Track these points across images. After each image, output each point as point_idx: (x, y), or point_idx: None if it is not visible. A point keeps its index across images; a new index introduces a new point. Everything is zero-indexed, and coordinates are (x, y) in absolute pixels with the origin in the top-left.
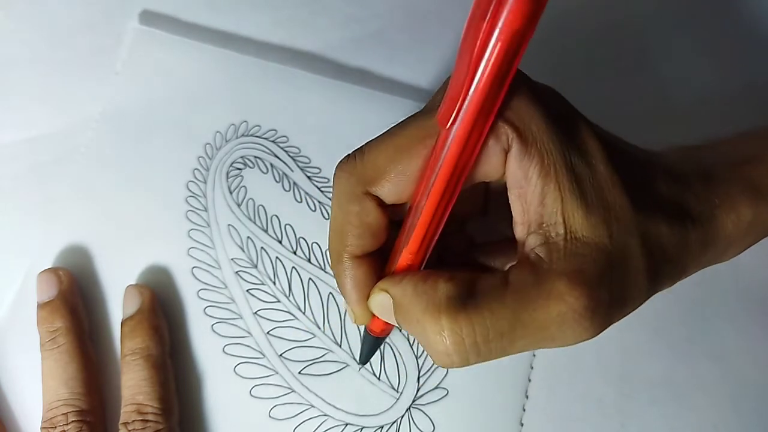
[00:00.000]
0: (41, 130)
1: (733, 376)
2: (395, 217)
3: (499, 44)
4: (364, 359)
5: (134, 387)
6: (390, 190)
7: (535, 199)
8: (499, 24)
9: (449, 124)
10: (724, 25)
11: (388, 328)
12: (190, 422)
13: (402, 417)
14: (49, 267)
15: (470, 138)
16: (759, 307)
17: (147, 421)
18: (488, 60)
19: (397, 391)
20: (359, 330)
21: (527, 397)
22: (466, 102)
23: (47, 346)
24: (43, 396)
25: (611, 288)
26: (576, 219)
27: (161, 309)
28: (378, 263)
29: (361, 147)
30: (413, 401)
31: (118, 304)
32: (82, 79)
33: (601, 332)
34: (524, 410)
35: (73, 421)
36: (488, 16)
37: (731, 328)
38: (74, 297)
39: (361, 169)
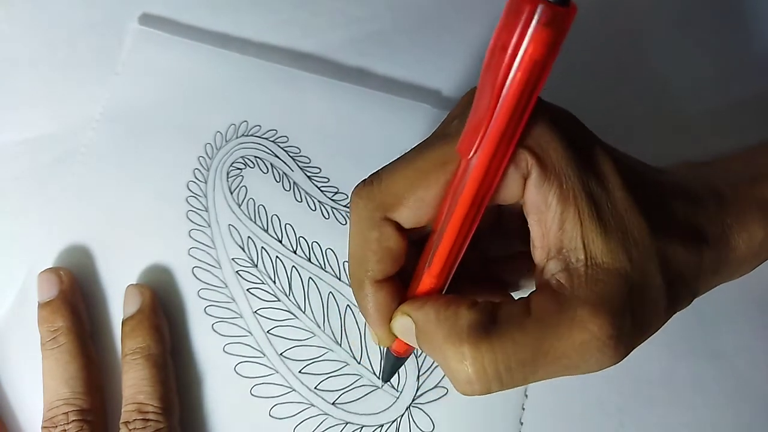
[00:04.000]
0: (41, 130)
1: (731, 375)
2: (415, 237)
3: (519, 74)
4: (387, 377)
5: (135, 386)
6: (409, 216)
7: (554, 225)
8: (520, 54)
9: (471, 153)
10: (724, 26)
11: (410, 349)
12: (191, 421)
13: (402, 416)
14: (50, 267)
15: (491, 166)
16: (757, 307)
17: (148, 420)
18: (509, 90)
19: (397, 390)
20: (360, 330)
21: (527, 395)
22: (488, 131)
23: (48, 346)
24: (43, 395)
25: (633, 314)
26: (596, 244)
27: (161, 308)
28: (399, 285)
29: (378, 172)
30: (413, 400)
31: (118, 304)
32: (82, 80)
33: (623, 359)
34: (524, 409)
35: (73, 421)
36: (510, 47)
37: (729, 327)
38: (75, 296)
39: (379, 194)
